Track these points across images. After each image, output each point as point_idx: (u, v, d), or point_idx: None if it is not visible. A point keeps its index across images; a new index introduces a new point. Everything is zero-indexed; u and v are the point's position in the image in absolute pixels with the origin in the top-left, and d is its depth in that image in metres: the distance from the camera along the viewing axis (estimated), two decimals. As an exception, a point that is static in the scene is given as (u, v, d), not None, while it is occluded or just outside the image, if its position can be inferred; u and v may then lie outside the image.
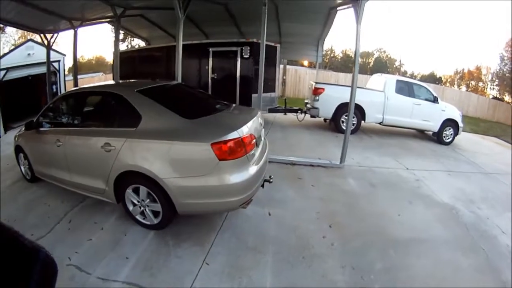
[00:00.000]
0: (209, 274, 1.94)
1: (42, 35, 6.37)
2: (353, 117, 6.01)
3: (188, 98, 3.13)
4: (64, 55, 10.81)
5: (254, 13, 6.46)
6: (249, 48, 6.10)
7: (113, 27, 7.97)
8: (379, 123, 6.34)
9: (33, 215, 2.86)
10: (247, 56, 6.15)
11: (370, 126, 6.92)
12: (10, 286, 0.35)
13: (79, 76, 8.37)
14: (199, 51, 6.62)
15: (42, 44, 6.64)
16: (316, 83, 6.48)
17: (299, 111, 6.84)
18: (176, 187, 2.11)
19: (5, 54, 7.85)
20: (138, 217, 2.46)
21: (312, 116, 6.43)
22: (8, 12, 4.76)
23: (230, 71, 6.38)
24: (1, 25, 10.80)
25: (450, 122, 6.16)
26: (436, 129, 6.18)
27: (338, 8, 5.13)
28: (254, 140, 2.33)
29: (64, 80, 10.45)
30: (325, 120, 7.05)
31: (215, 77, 6.51)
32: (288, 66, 14.77)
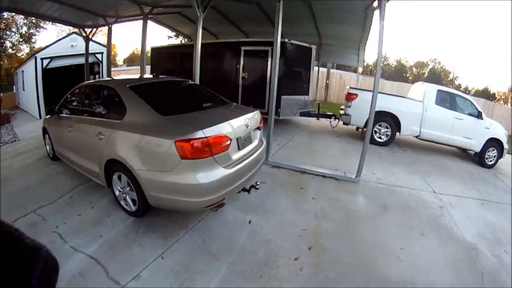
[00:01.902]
0: (159, 268, 2.16)
1: (81, 29, 7.72)
2: (387, 128, 5.91)
3: (177, 95, 3.36)
4: (106, 47, 12.73)
5: (291, 13, 6.74)
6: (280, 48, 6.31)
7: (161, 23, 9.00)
8: (416, 137, 6.11)
9: (44, 188, 3.59)
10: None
11: (408, 139, 6.66)
12: (13, 283, 0.37)
13: (122, 68, 9.66)
14: (231, 49, 7.15)
15: (84, 37, 7.92)
16: (351, 88, 6.38)
17: (333, 117, 6.90)
18: (146, 180, 2.42)
19: (48, 45, 9.63)
20: (122, 203, 2.88)
21: (344, 123, 6.48)
22: (51, 9, 5.99)
23: (260, 71, 6.71)
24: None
25: (494, 142, 5.85)
26: (478, 148, 5.90)
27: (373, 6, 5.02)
28: (228, 142, 2.46)
29: (109, 70, 12.16)
30: (357, 128, 6.96)
31: (245, 77, 6.92)
32: (332, 70, 14.52)
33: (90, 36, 7.98)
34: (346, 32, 6.92)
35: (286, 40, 6.47)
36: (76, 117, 3.44)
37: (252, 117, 3.01)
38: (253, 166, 2.89)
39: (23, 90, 11.86)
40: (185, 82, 3.83)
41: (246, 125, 2.79)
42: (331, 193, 3.59)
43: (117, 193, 2.88)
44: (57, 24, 7.49)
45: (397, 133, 6.03)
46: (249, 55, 6.88)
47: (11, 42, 18.74)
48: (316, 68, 10.96)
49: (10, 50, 18.95)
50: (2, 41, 17.87)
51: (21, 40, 18.83)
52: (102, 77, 11.28)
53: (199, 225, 2.74)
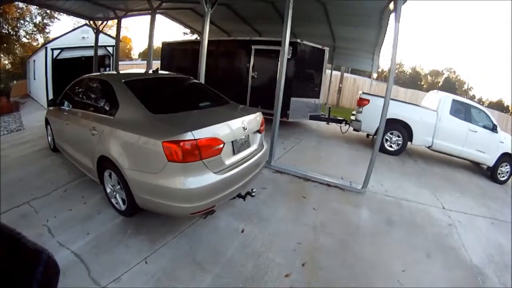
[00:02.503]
0: (141, 272, 2.14)
1: (91, 21, 7.95)
2: (399, 137, 5.86)
3: (174, 93, 3.29)
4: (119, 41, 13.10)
5: (305, 13, 6.70)
6: (291, 48, 6.30)
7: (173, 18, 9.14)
8: (428, 147, 6.02)
9: (40, 179, 3.68)
10: (289, 57, 6.36)
11: (420, 149, 6.56)
12: (14, 287, 0.38)
13: (136, 62, 9.86)
14: (242, 48, 7.22)
15: (94, 29, 8.13)
16: (363, 93, 6.33)
17: (343, 122, 6.87)
18: (133, 180, 2.41)
19: (59, 36, 9.92)
20: (113, 201, 2.90)
21: (354, 130, 6.46)
22: (62, 1, 6.19)
23: (270, 71, 6.70)
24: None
25: (507, 157, 5.78)
26: (491, 163, 5.83)
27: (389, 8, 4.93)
28: (221, 146, 2.39)
29: (116, 63, 12.45)
30: (367, 135, 6.92)
31: (255, 76, 6.95)
32: (346, 74, 14.36)
33: (101, 29, 8.18)
34: (361, 35, 6.84)
35: (298, 40, 6.46)
36: (74, 110, 3.50)
37: (251, 119, 2.93)
38: (250, 171, 2.82)
39: (34, 79, 12.32)
40: (185, 79, 3.80)
41: (244, 127, 2.70)
42: (333, 204, 3.51)
43: (108, 190, 2.90)
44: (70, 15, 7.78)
45: (409, 143, 5.98)
46: (260, 55, 6.90)
47: (25, 31, 19.57)
48: (328, 71, 10.91)
49: (24, 39, 19.77)
50: (16, 30, 18.67)
51: (35, 29, 19.61)
52: (112, 69, 11.56)
53: (188, 230, 2.70)
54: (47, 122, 4.55)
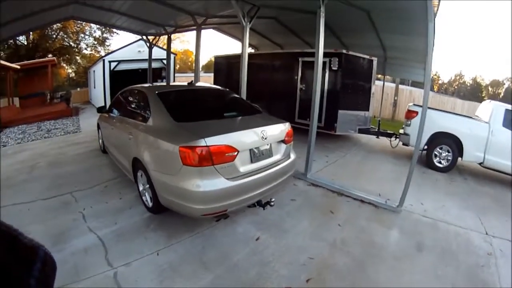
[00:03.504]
0: (150, 262, 2.49)
1: (145, 37, 9.24)
2: (448, 152, 5.57)
3: (201, 103, 3.72)
4: (175, 54, 14.71)
5: (352, 24, 6.83)
6: (337, 59, 6.46)
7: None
8: (479, 164, 5.51)
9: (87, 175, 4.46)
10: (335, 68, 6.53)
11: (472, 166, 6.06)
12: (11, 283, 0.40)
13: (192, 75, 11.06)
14: (289, 60, 7.60)
15: (147, 43, 9.35)
16: (413, 105, 6.14)
17: (393, 136, 6.78)
18: (157, 180, 2.84)
19: (115, 50, 11.45)
20: (143, 198, 3.38)
21: (403, 144, 6.28)
22: (119, 20, 7.45)
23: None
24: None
25: None
26: None
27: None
28: (235, 153, 2.65)
29: (174, 75, 13.87)
30: None
31: (303, 88, 7.24)
32: (402, 86, 13.69)
33: (154, 43, 9.42)
34: (410, 43, 6.65)
35: (344, 51, 6.57)
36: (118, 117, 4.20)
37: (274, 129, 3.15)
38: (271, 181, 3.01)
39: (94, 87, 14.47)
40: (217, 91, 4.26)
41: (263, 137, 2.93)
42: (362, 221, 3.46)
43: (140, 188, 3.39)
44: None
45: (460, 158, 5.60)
46: (307, 67, 7.13)
47: (86, 44, 23.36)
48: (380, 83, 10.60)
49: (85, 51, 23.52)
50: (77, 42, 22.44)
51: (95, 42, 23.23)
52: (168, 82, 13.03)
53: (206, 231, 3.01)
54: (98, 127, 5.45)
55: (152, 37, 9.26)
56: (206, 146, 2.49)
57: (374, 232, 3.24)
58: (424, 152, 5.87)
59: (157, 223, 3.09)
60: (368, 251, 2.91)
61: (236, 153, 2.66)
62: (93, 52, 23.68)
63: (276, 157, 3.16)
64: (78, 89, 19.98)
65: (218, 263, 2.54)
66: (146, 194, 3.25)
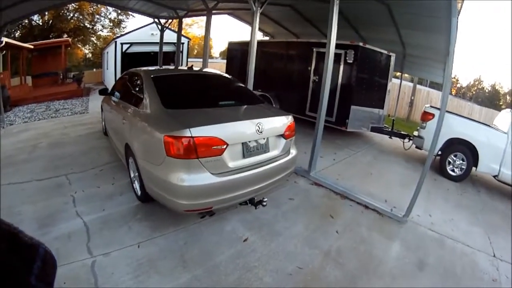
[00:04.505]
0: (129, 254, 2.40)
1: (157, 20, 9.08)
2: (463, 160, 5.29)
3: (196, 89, 3.45)
4: (189, 39, 14.54)
5: (371, 17, 6.48)
6: (353, 52, 6.15)
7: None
8: (494, 176, 5.17)
9: (85, 157, 4.44)
10: (351, 61, 6.24)
11: (487, 178, 5.70)
12: (11, 282, 0.40)
13: (215, 60, 10.76)
14: (303, 50, 7.31)
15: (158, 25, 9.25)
16: (430, 106, 5.81)
17: (407, 138, 6.48)
18: (142, 168, 2.72)
19: (127, 32, 11.38)
20: (134, 186, 3.29)
21: (417, 147, 5.99)
22: (133, 2, 7.29)
23: (332, 76, 6.64)
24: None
25: None
26: None
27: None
28: (223, 146, 2.45)
29: (187, 60, 13.82)
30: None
31: (316, 80, 6.96)
32: (419, 86, 13.16)
33: (167, 26, 9.34)
34: (431, 41, 6.24)
35: (361, 43, 6.24)
36: (117, 100, 4.10)
37: (273, 122, 2.94)
38: (266, 179, 2.83)
39: (107, 69, 14.52)
40: (216, 77, 4.00)
41: (258, 130, 2.71)
42: (363, 230, 3.23)
43: (132, 175, 3.30)
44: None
45: (474, 168, 5.28)
46: (322, 58, 6.85)
47: (102, 25, 23.57)
48: (397, 81, 10.16)
49: (100, 33, 23.75)
50: (93, 24, 22.64)
51: (110, 24, 23.39)
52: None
53: (192, 227, 2.87)
54: (102, 109, 5.40)
55: (164, 20, 9.11)
56: (191, 137, 2.31)
57: (374, 244, 3.01)
58: (438, 157, 5.57)
59: (144, 213, 3.00)
60: (364, 265, 2.69)
61: (225, 147, 2.47)
62: (110, 34, 23.85)
63: (273, 153, 2.95)
64: (94, 69, 20.28)
65: (198, 262, 2.41)
66: (136, 182, 3.16)
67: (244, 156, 2.67)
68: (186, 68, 3.91)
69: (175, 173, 2.36)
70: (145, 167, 2.68)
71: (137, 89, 3.49)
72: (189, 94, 3.27)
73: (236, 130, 2.63)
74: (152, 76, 3.27)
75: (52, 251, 0.48)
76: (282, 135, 3.05)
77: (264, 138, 2.83)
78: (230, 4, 7.04)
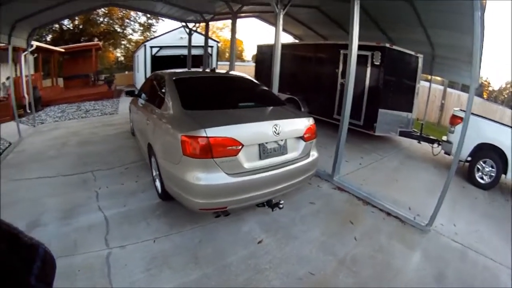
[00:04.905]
0: (145, 248, 2.51)
1: (184, 23, 9.38)
2: (492, 167, 4.94)
3: (215, 91, 3.50)
4: (219, 42, 14.94)
5: (396, 16, 6.27)
6: (380, 53, 5.99)
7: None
8: None
9: (112, 155, 4.68)
10: (378, 63, 6.08)
11: None
12: (11, 282, 0.41)
13: (246, 63, 10.92)
14: (330, 52, 7.21)
15: (189, 30, 9.57)
16: (459, 110, 5.48)
17: (436, 143, 6.19)
18: (162, 167, 2.83)
19: (157, 36, 11.73)
20: (156, 184, 3.42)
21: (445, 153, 5.72)
22: (160, 6, 7.55)
23: (359, 79, 6.51)
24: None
25: None
26: None
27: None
28: (239, 147, 2.49)
29: (217, 63, 14.39)
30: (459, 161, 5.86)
31: (344, 83, 6.83)
32: (450, 90, 12.47)
33: (195, 29, 9.69)
34: (459, 41, 5.87)
35: (387, 44, 6.05)
36: (143, 101, 4.29)
37: (291, 124, 2.93)
38: (283, 181, 2.81)
39: (137, 72, 15.21)
40: (238, 79, 4.07)
41: (275, 131, 2.71)
42: (382, 237, 3.10)
43: (154, 173, 3.44)
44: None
45: (504, 176, 4.87)
46: None
47: (132, 29, 24.72)
48: (427, 84, 9.69)
49: (131, 36, 25.09)
50: (123, 28, 23.98)
51: (141, 28, 24.45)
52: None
53: (209, 226, 2.92)
54: (130, 110, 5.67)
55: (193, 24, 9.39)
56: (206, 137, 2.37)
57: (393, 253, 2.87)
58: (467, 164, 5.24)
59: (164, 210, 3.10)
60: (379, 275, 2.57)
61: (240, 147, 2.49)
62: (142, 37, 24.96)
63: (291, 155, 2.92)
64: (126, 72, 21.28)
65: (211, 261, 2.45)
66: (157, 180, 3.28)
67: (260, 158, 2.68)
68: (208, 70, 4.00)
69: (191, 172, 2.44)
70: (165, 166, 2.79)
71: (160, 90, 3.63)
72: (209, 96, 3.34)
73: (252, 131, 2.65)
74: (174, 78, 3.39)
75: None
76: (302, 137, 3.02)
77: (282, 140, 2.82)
78: (254, 7, 7.10)
